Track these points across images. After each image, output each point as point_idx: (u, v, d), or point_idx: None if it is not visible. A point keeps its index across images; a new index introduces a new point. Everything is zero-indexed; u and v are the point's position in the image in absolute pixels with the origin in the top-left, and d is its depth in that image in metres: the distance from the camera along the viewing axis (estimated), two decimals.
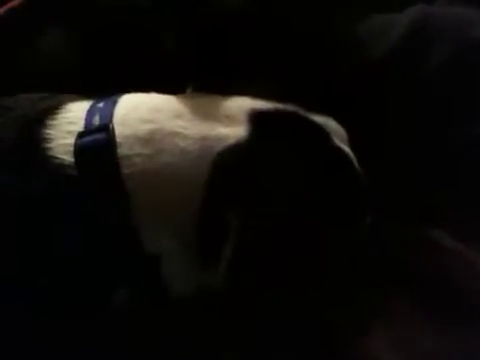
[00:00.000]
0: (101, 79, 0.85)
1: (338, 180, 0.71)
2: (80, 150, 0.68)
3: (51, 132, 0.71)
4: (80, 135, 0.69)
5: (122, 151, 0.68)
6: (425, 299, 0.73)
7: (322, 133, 0.72)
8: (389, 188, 0.76)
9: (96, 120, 0.71)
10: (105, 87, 0.76)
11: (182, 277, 0.70)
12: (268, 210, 0.67)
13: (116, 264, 0.69)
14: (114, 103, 0.72)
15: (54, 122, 0.71)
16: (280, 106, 0.72)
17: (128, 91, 0.74)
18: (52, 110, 0.73)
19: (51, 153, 0.69)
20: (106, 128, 0.69)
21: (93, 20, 0.88)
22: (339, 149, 0.72)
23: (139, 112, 0.71)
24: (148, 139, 0.69)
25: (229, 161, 0.68)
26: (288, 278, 0.68)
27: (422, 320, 0.72)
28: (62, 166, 0.69)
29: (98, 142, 0.68)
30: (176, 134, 0.69)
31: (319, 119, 0.72)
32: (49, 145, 0.70)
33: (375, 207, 0.72)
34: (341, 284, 0.71)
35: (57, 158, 0.69)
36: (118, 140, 0.69)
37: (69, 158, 0.69)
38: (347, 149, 0.73)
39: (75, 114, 0.72)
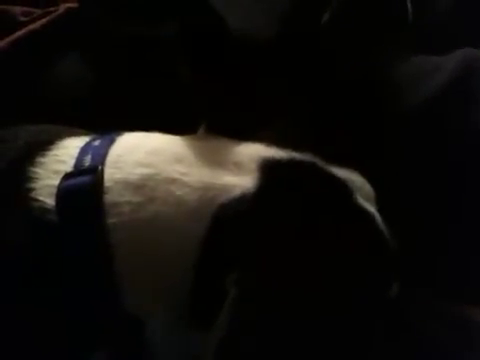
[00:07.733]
0: (113, 112, 0.77)
1: (358, 246, 0.60)
2: (61, 193, 0.60)
3: (38, 170, 0.63)
4: (66, 176, 0.61)
5: (110, 197, 0.60)
6: None
7: (343, 189, 0.62)
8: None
9: (87, 160, 0.62)
10: (116, 121, 0.68)
11: (168, 346, 0.61)
12: (272, 280, 0.56)
13: (93, 324, 0.60)
14: (111, 142, 0.64)
15: (43, 159, 0.64)
16: (296, 155, 0.62)
17: (138, 127, 0.66)
18: (44, 145, 0.65)
19: (33, 195, 0.62)
20: (94, 170, 0.61)
21: (109, 51, 0.81)
22: (362, 209, 0.61)
23: (136, 154, 0.62)
24: (140, 185, 0.60)
25: (231, 216, 0.59)
26: None
27: None
28: (43, 210, 0.61)
29: (82, 185, 0.60)
30: (173, 181, 0.60)
31: (341, 173, 0.62)
32: (33, 185, 0.62)
33: (402, 276, 0.62)
34: None
35: (39, 201, 0.61)
36: (107, 184, 0.60)
37: (52, 202, 0.61)
38: (372, 209, 0.62)
39: (67, 151, 0.64)
